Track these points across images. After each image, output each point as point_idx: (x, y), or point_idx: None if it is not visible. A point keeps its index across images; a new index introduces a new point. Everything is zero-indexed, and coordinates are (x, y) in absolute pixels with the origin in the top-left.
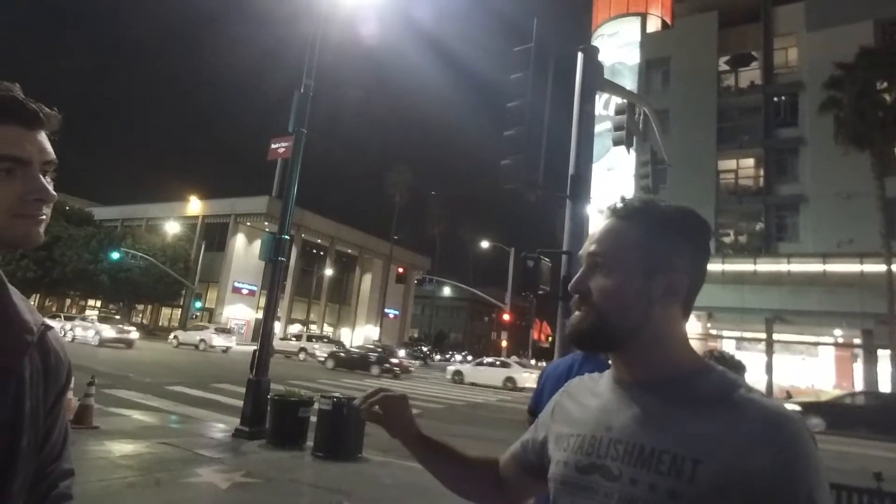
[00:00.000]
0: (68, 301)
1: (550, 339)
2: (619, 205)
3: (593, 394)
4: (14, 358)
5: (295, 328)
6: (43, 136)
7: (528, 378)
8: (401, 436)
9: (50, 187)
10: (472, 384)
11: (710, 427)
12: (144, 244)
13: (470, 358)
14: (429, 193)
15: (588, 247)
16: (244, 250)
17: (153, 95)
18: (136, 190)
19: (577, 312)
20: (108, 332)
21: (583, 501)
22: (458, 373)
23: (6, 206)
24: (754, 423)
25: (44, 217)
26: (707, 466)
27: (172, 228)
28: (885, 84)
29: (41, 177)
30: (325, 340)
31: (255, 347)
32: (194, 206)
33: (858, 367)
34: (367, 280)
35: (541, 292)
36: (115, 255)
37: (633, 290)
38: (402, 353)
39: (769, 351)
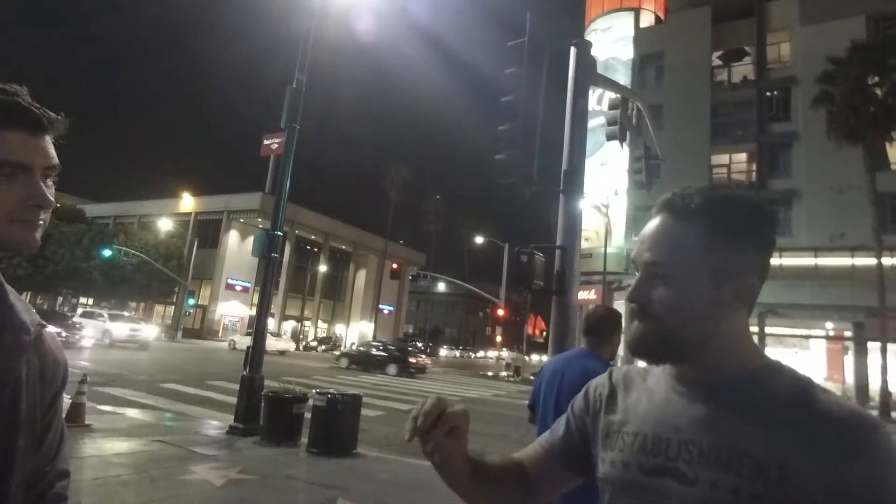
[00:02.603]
0: (60, 299)
1: (545, 333)
2: (678, 200)
3: (645, 388)
4: (11, 359)
5: (289, 324)
6: (47, 141)
7: (275, 343)
8: (448, 463)
9: (51, 192)
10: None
11: (794, 431)
12: (137, 241)
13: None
14: (424, 189)
15: (642, 253)
16: (238, 247)
17: (146, 91)
18: (128, 187)
19: (636, 323)
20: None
21: None
22: (232, 341)
23: (4, 211)
24: (841, 429)
25: (41, 223)
26: (794, 472)
27: (165, 225)
28: (877, 79)
29: (41, 183)
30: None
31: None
32: (187, 202)
33: (849, 360)
34: (362, 276)
35: (535, 287)
36: (107, 253)
37: (701, 300)
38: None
39: (762, 344)
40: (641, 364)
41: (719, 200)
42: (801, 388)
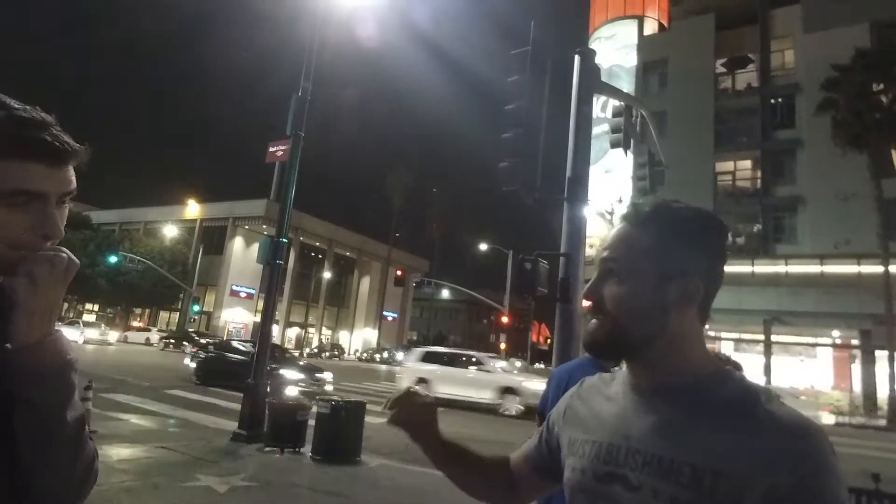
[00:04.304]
0: (65, 305)
1: (549, 340)
2: (631, 210)
3: (607, 397)
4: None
5: (293, 331)
6: (68, 170)
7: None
8: (421, 441)
9: (64, 214)
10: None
11: (730, 438)
12: (142, 248)
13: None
14: (428, 196)
15: (601, 253)
16: (242, 253)
17: (151, 98)
18: (133, 193)
19: (593, 321)
20: None
21: None
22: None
23: (11, 240)
24: (774, 434)
25: None
26: (727, 478)
27: (170, 232)
28: (881, 86)
29: (55, 211)
30: None
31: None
32: (192, 209)
33: (856, 368)
34: (366, 283)
35: (539, 294)
36: (113, 259)
37: (647, 298)
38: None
39: (767, 352)
40: (612, 371)
41: (667, 209)
42: (745, 395)
